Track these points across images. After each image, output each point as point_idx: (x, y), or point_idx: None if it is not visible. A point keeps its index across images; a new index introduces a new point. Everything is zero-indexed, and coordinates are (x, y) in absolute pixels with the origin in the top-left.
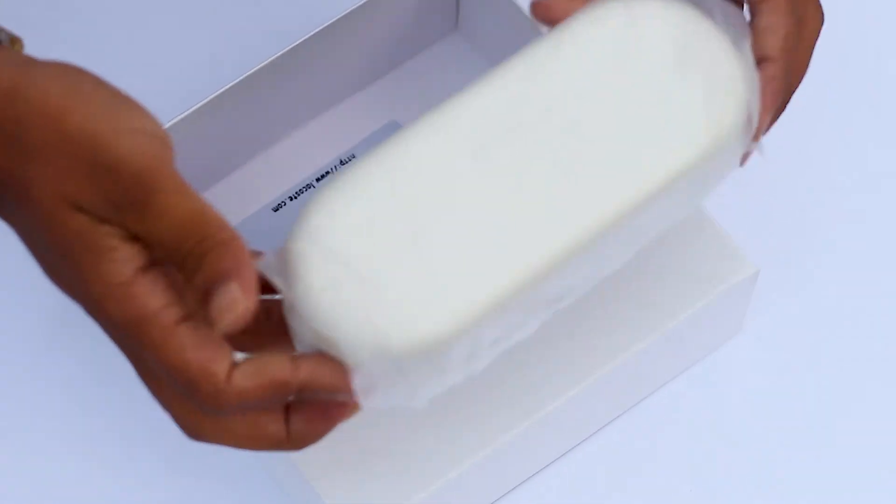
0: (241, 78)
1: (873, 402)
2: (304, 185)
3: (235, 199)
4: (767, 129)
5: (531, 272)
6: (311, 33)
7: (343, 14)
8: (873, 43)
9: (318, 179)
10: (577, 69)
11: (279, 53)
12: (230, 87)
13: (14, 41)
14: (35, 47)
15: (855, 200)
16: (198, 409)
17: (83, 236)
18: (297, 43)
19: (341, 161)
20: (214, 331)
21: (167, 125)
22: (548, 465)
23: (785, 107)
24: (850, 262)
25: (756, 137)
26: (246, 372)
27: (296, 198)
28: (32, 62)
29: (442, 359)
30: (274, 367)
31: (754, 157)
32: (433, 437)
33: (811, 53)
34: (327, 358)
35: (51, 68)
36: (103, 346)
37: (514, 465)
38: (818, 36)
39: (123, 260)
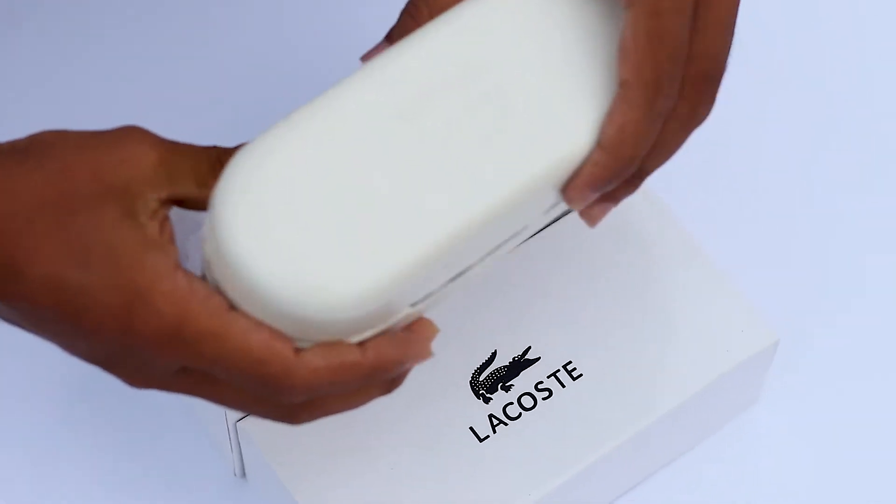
0: None
1: None
2: None
3: None
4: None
5: (464, 222)
6: None
7: None
8: None
9: None
10: (503, 33)
11: None
12: None
13: None
14: None
15: (876, 265)
16: (272, 403)
17: (123, 234)
18: None
19: None
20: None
21: None
22: None
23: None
24: (869, 328)
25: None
26: (316, 353)
27: None
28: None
29: (378, 310)
30: (342, 350)
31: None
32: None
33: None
34: (388, 335)
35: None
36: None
37: None
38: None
39: (163, 247)
